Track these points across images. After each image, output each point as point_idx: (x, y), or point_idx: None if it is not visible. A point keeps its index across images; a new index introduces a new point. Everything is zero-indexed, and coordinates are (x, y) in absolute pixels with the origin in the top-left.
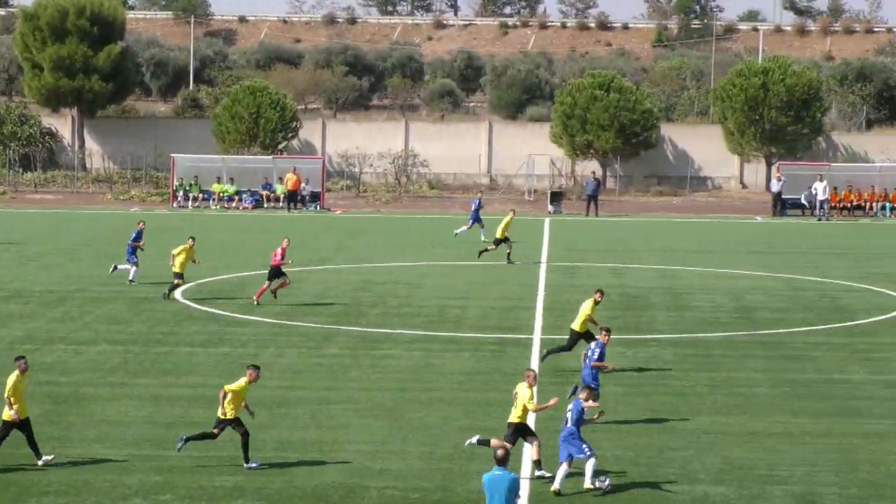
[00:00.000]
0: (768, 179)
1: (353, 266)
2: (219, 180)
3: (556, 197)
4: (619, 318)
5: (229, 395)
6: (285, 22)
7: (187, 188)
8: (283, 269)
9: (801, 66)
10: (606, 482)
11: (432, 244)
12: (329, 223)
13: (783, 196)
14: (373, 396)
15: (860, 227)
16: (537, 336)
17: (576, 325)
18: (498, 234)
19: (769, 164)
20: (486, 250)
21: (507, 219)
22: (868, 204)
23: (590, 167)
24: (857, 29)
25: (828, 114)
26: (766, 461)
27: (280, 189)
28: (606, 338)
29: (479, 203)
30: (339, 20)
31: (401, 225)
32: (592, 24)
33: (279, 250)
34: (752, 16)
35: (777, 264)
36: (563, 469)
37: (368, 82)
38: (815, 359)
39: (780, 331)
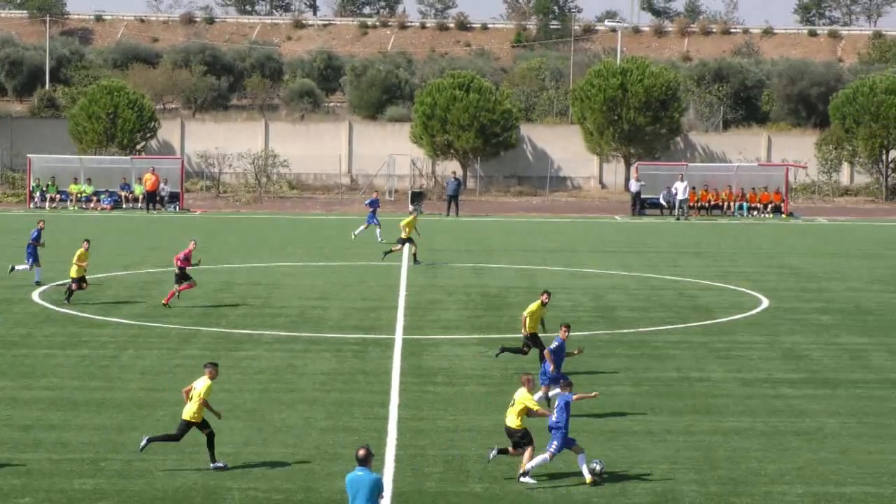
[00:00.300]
0: (627, 179)
1: (213, 267)
2: (76, 181)
3: (417, 197)
4: (480, 317)
5: (198, 397)
6: (142, 21)
7: (44, 189)
8: (189, 271)
9: (659, 67)
10: (598, 466)
11: (292, 245)
12: (188, 224)
13: (642, 196)
14: (234, 398)
15: (718, 227)
16: (399, 336)
17: (528, 329)
18: (402, 234)
19: (628, 164)
20: (391, 251)
21: (408, 218)
22: (725, 203)
23: (450, 167)
24: (714, 30)
25: (685, 114)
26: (627, 459)
27: (139, 189)
28: (566, 333)
29: (377, 203)
30: (197, 19)
31: (261, 225)
32: (452, 25)
33: (183, 253)
34: (610, 16)
35: (636, 264)
36: (580, 459)
37: (227, 82)
38: (675, 357)
39: (640, 330)
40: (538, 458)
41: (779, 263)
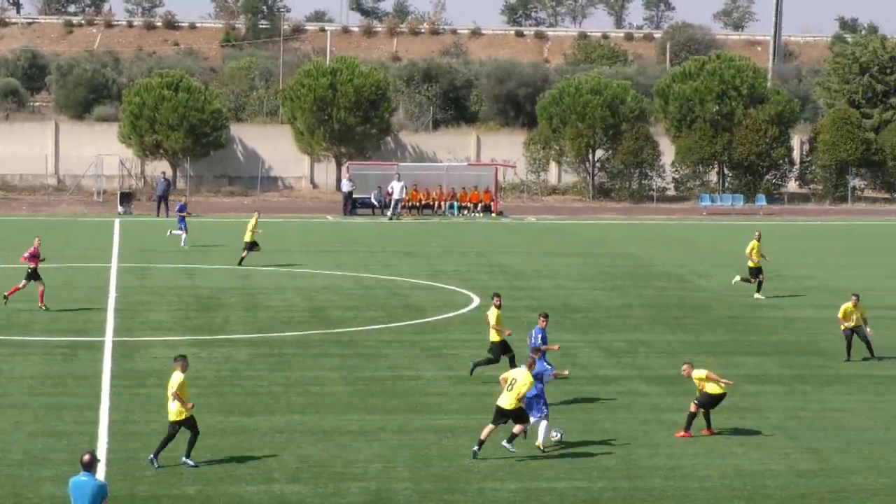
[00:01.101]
0: (338, 179)
1: None
2: None
3: (126, 198)
4: (192, 319)
5: (178, 392)
6: None
7: None
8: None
9: (369, 67)
10: (558, 435)
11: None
12: None
13: (353, 195)
14: None
15: (429, 226)
16: (109, 338)
17: (493, 336)
18: (247, 238)
19: (339, 164)
20: (241, 261)
21: (252, 220)
22: (436, 203)
23: (160, 167)
24: (423, 30)
25: (395, 114)
26: (342, 458)
27: None
28: (544, 322)
29: (185, 208)
30: None
31: None
32: (159, 24)
33: (28, 252)
34: (319, 16)
35: (349, 263)
36: (543, 426)
37: None
38: (388, 356)
39: (353, 329)
40: (543, 428)
41: (489, 262)
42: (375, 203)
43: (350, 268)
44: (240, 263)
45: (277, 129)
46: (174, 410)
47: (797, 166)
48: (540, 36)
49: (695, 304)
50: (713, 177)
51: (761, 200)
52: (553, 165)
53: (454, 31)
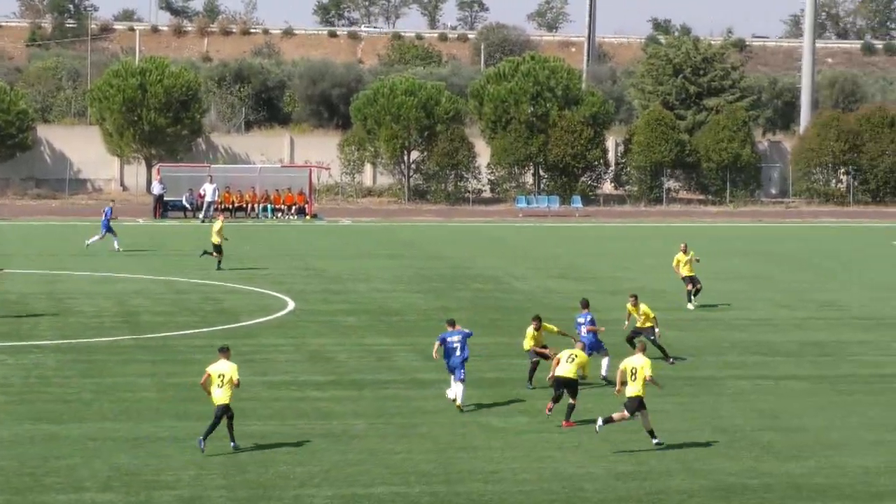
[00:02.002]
0: (149, 181)
1: None
2: None
3: None
4: None
5: (235, 381)
6: None
7: None
8: None
9: (179, 67)
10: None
11: None
12: None
13: (165, 198)
14: None
15: (244, 229)
16: None
17: (525, 346)
18: (214, 241)
19: (150, 166)
20: (219, 264)
21: (218, 225)
22: (250, 205)
23: None
24: (234, 30)
25: (207, 115)
26: (154, 466)
27: None
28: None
29: (111, 212)
30: None
31: None
32: None
33: None
34: (127, 15)
35: (161, 267)
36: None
37: None
38: (200, 362)
39: (165, 334)
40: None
41: (304, 265)
42: (188, 206)
43: (162, 272)
44: (218, 267)
45: (86, 130)
46: (227, 395)
47: (612, 168)
48: (353, 36)
49: (513, 306)
50: (529, 178)
51: (577, 202)
52: (368, 167)
53: (266, 31)
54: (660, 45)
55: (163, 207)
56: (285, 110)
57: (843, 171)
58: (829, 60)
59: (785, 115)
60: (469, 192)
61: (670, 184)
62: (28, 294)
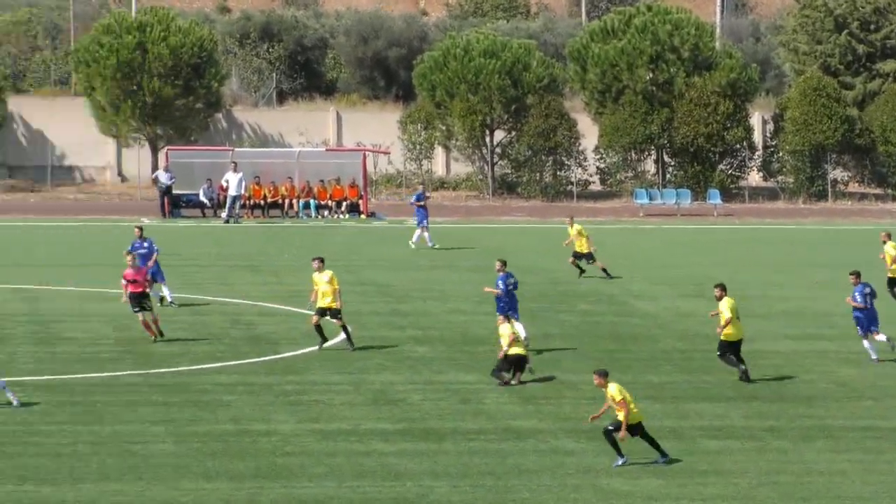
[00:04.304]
0: (155, 169)
1: None
2: None
3: None
4: None
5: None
6: None
7: None
8: None
9: (189, 21)
10: None
11: None
12: None
13: (174, 191)
14: None
15: (278, 231)
16: None
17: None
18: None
19: (155, 150)
20: None
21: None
22: (286, 201)
23: None
24: None
25: (227, 83)
26: None
27: None
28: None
29: (422, 196)
30: None
31: None
32: None
33: None
34: None
35: (173, 281)
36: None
37: None
38: (230, 404)
39: (181, 369)
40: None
41: (359, 279)
42: (206, 201)
43: (174, 287)
44: None
45: (70, 102)
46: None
47: (759, 152)
48: None
49: (634, 334)
50: (650, 166)
51: (714, 197)
52: (439, 151)
53: None
54: None
55: (172, 203)
56: (328, 77)
57: None
58: None
59: None
60: (572, 184)
61: (836, 173)
62: (3, 316)
